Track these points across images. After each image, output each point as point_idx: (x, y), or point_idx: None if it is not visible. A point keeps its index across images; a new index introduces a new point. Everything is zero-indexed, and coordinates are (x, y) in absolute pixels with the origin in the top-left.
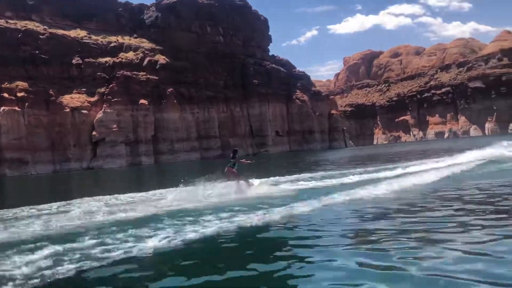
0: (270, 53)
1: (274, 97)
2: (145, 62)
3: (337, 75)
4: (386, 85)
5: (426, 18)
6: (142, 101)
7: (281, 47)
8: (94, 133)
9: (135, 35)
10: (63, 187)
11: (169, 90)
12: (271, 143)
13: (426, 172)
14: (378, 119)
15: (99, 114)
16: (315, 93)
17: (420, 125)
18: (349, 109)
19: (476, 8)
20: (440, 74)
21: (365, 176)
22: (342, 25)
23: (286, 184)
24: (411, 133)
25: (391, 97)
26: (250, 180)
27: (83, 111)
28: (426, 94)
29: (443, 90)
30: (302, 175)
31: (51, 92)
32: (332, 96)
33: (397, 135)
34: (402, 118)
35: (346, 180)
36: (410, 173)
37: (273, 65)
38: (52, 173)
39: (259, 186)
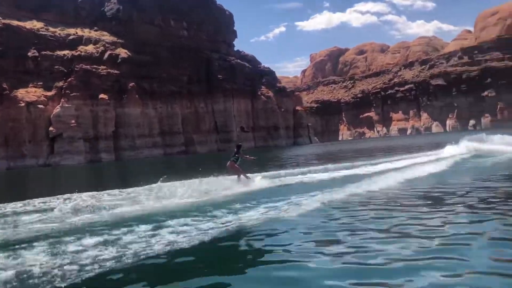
0: (237, 49)
1: (239, 93)
2: (106, 55)
3: (303, 71)
4: (351, 82)
5: (391, 16)
6: (102, 95)
7: (249, 42)
8: (51, 128)
9: (95, 28)
10: (17, 185)
11: (130, 84)
12: (236, 139)
13: (423, 166)
14: (343, 115)
15: (57, 109)
16: (280, 89)
17: (384, 122)
18: (315, 105)
19: (439, 7)
20: (403, 71)
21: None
22: (310, 22)
23: (286, 178)
24: (375, 129)
25: (356, 94)
26: (251, 176)
27: (39, 105)
28: (389, 91)
29: (406, 87)
30: (300, 169)
31: (4, 86)
32: (298, 93)
33: (361, 131)
34: (366, 114)
35: (335, 174)
36: (418, 165)
37: (238, 61)
38: (6, 170)
39: (260, 181)
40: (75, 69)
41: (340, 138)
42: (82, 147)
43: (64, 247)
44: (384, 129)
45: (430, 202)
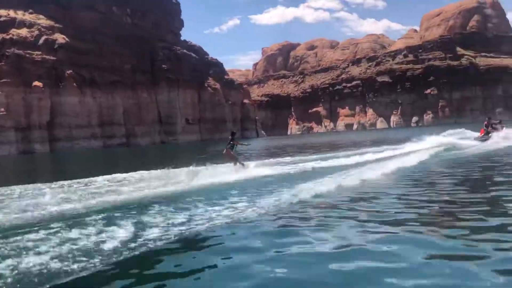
0: (186, 39)
1: (185, 84)
2: (41, 40)
3: (255, 65)
4: (301, 76)
5: (343, 13)
6: (36, 83)
7: (202, 33)
8: None
9: (30, 10)
10: None
11: (68, 72)
12: (180, 131)
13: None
14: (292, 110)
15: None
16: (228, 81)
17: (331, 117)
18: (266, 99)
19: (389, 6)
20: (351, 68)
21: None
22: (264, 15)
23: (279, 166)
24: (323, 124)
25: (305, 89)
26: (246, 163)
27: None
28: (337, 87)
29: (354, 83)
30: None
31: None
32: (245, 86)
33: (309, 126)
34: (315, 109)
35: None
36: (395, 157)
37: (185, 51)
38: None
39: (254, 168)
40: (6, 53)
41: (289, 132)
42: (13, 137)
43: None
44: (332, 124)
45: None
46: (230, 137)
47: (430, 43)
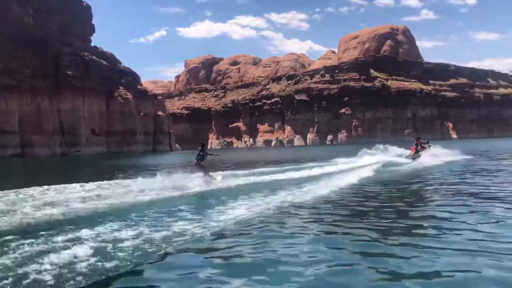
0: (110, 48)
1: (92, 92)
2: None
3: (177, 77)
4: (223, 91)
5: (269, 32)
6: None
7: (128, 43)
8: None
9: None
10: None
11: None
12: (84, 142)
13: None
14: (213, 124)
15: None
16: (141, 91)
17: (251, 132)
18: (186, 112)
19: (312, 28)
20: (271, 85)
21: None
22: (191, 29)
23: (244, 178)
24: (242, 139)
25: (227, 104)
26: (214, 174)
27: None
28: (258, 103)
29: (273, 100)
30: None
31: None
32: (160, 98)
33: (229, 140)
34: (235, 124)
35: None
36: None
37: (94, 57)
38: None
39: (221, 180)
40: None
41: (209, 146)
42: None
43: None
44: (251, 140)
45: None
46: (200, 147)
47: (346, 64)
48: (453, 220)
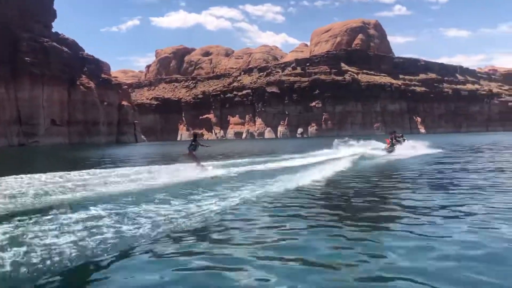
0: (80, 36)
1: (52, 80)
2: None
3: (148, 67)
4: (194, 82)
5: (244, 24)
6: None
7: (99, 32)
8: None
9: None
10: None
11: None
12: (43, 133)
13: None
14: (183, 115)
15: None
16: (105, 80)
17: (221, 124)
18: (155, 103)
19: (287, 21)
20: (243, 76)
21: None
22: (165, 18)
23: (234, 168)
24: (213, 131)
25: (197, 95)
26: (205, 164)
27: None
28: (228, 95)
29: (244, 92)
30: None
31: None
32: (126, 87)
33: (200, 132)
34: (205, 116)
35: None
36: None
37: (55, 44)
38: None
39: (213, 170)
40: None
41: (179, 138)
42: None
43: None
44: (222, 131)
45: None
46: (192, 138)
47: (317, 58)
48: (428, 209)
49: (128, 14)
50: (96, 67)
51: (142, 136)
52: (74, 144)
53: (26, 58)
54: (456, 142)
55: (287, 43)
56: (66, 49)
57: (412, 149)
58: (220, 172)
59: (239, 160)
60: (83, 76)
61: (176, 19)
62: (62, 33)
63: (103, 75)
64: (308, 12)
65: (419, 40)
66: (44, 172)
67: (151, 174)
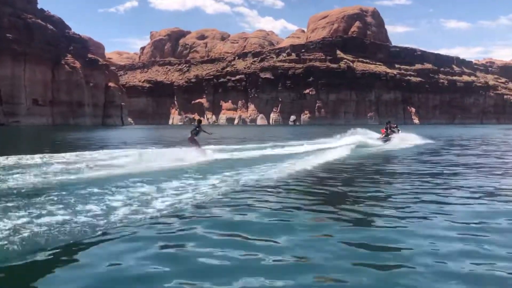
0: (76, 18)
1: (35, 59)
2: None
3: (142, 48)
4: (187, 65)
5: (243, 8)
6: None
7: (97, 12)
8: None
9: None
10: None
11: None
12: (25, 113)
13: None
14: (175, 99)
15: None
16: (91, 60)
17: (214, 109)
18: (147, 85)
19: (287, 7)
20: (237, 61)
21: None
22: (163, 0)
23: (236, 152)
24: (205, 116)
25: (190, 79)
26: (205, 148)
27: None
28: (222, 79)
29: (238, 77)
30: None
31: None
32: (114, 68)
33: (192, 117)
34: (198, 100)
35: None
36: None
37: (39, 21)
38: None
39: (212, 154)
40: None
41: (170, 122)
42: None
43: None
44: (214, 117)
45: None
46: (195, 123)
47: (312, 44)
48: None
49: None
50: (83, 47)
51: (129, 119)
52: (57, 125)
53: (8, 35)
54: (450, 133)
55: (285, 29)
56: (51, 27)
57: (405, 140)
58: (221, 156)
59: (240, 146)
60: (69, 55)
61: (175, 1)
62: (48, 10)
63: (89, 55)
64: None
65: (418, 31)
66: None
67: (149, 157)
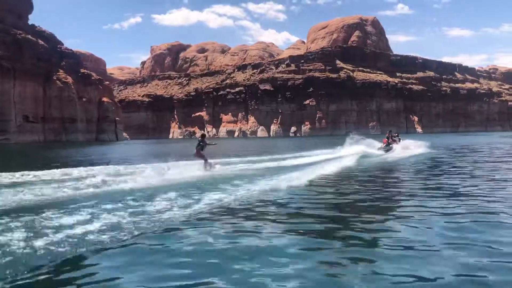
0: (81, 34)
1: (25, 75)
2: None
3: (143, 63)
4: (187, 79)
5: (246, 22)
6: None
7: (101, 29)
8: None
9: None
10: None
11: None
12: (15, 129)
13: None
14: (175, 113)
15: None
16: (84, 75)
17: (214, 122)
18: (147, 100)
19: (290, 19)
20: (236, 73)
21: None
22: (167, 16)
23: (242, 165)
24: (205, 129)
25: (190, 92)
26: (212, 161)
27: None
28: (221, 92)
29: (237, 89)
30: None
31: None
32: (108, 83)
33: (192, 130)
34: (198, 113)
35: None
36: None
37: (29, 37)
38: None
39: (220, 168)
40: None
41: (170, 136)
42: None
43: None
44: (214, 130)
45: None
46: (200, 138)
47: (312, 54)
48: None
49: (130, 10)
50: (75, 62)
51: (124, 134)
52: (49, 142)
53: None
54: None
55: (289, 41)
56: (42, 42)
57: (407, 149)
58: (227, 169)
59: (244, 158)
60: (60, 70)
61: (178, 17)
62: (39, 26)
63: (82, 70)
64: (310, 10)
65: (421, 40)
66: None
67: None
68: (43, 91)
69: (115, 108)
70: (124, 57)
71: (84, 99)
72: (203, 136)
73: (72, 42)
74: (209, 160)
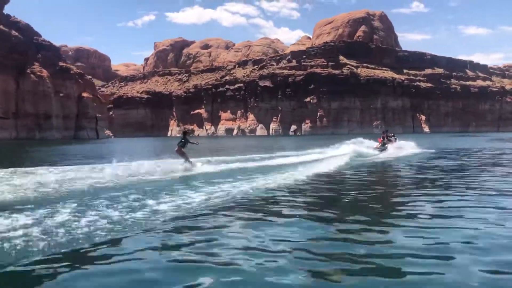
0: (96, 31)
1: None
2: None
3: (146, 59)
4: (187, 75)
5: (259, 20)
6: None
7: (116, 27)
8: None
9: None
10: None
11: None
12: None
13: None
14: (174, 110)
15: None
16: (63, 69)
17: (212, 120)
18: (145, 96)
19: (303, 17)
20: (236, 69)
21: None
22: (180, 14)
23: (224, 164)
24: (204, 127)
25: (189, 88)
26: (194, 160)
27: None
28: (220, 89)
29: (236, 86)
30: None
31: None
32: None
33: (190, 128)
34: (197, 111)
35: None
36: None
37: (1, 27)
38: None
39: (201, 166)
40: None
41: (169, 134)
42: None
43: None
44: (213, 128)
45: None
46: (182, 135)
47: (313, 50)
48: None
49: (145, 8)
50: (53, 55)
51: (107, 131)
52: (22, 139)
53: None
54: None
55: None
56: (16, 33)
57: (401, 149)
58: (209, 168)
59: (233, 157)
60: (36, 63)
61: (191, 15)
62: (14, 16)
63: (60, 63)
64: (324, 8)
65: (436, 38)
66: None
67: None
68: (16, 85)
69: (97, 104)
70: (136, 55)
71: (61, 94)
72: (185, 133)
73: (86, 40)
74: (190, 159)
